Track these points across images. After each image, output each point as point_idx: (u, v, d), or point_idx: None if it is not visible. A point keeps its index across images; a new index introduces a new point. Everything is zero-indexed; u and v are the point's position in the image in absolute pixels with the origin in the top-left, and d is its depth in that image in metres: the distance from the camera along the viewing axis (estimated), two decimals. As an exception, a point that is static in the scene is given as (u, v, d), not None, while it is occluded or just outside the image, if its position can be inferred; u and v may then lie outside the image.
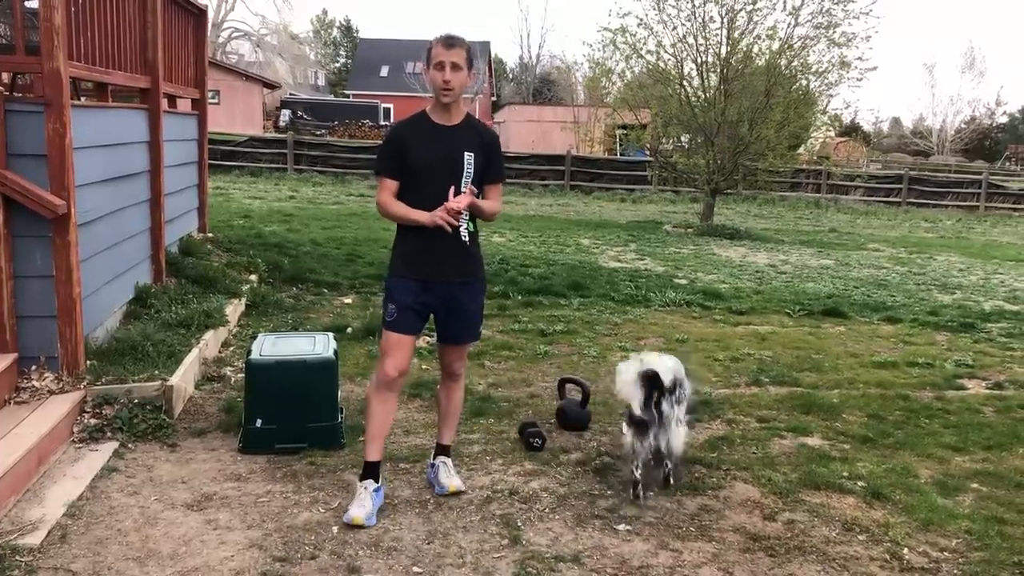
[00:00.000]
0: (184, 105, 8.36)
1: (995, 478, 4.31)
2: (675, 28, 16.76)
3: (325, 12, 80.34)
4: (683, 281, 9.97)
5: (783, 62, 16.88)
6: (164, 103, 6.82)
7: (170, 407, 4.54)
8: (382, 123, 39.56)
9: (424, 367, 5.67)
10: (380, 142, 3.85)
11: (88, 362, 4.70)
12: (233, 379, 5.32)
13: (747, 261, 12.42)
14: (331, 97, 57.20)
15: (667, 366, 3.97)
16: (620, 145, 30.24)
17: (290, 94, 48.57)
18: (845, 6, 16.29)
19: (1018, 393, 5.89)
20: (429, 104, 3.68)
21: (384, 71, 54.94)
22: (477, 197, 3.63)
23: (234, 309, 6.58)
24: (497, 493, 3.88)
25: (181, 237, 7.70)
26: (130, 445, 4.23)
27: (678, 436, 3.93)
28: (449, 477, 3.87)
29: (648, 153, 21.82)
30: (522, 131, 36.48)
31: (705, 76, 17.09)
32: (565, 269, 10.06)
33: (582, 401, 4.82)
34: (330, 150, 25.47)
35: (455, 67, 3.51)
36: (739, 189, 22.26)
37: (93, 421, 4.31)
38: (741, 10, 16.45)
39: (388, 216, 3.67)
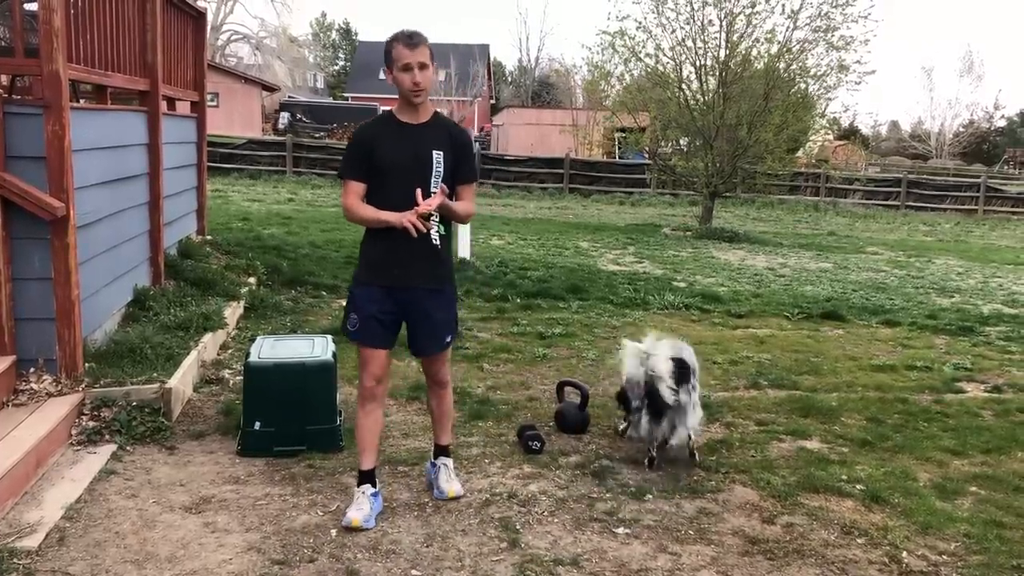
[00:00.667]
0: (183, 107, 8.37)
1: (994, 481, 4.31)
2: (674, 31, 16.81)
3: (324, 15, 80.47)
4: (682, 284, 9.97)
5: (782, 65, 16.90)
6: (163, 105, 6.82)
7: (168, 410, 4.53)
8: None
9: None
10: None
11: (86, 364, 4.69)
12: (232, 382, 5.32)
13: (746, 264, 12.43)
14: (330, 100, 57.23)
15: (689, 352, 4.39)
16: (619, 148, 30.26)
17: (289, 97, 48.58)
18: (844, 10, 16.34)
19: (1017, 396, 5.90)
20: (396, 105, 3.57)
21: (383, 74, 54.57)
22: (449, 198, 3.53)
23: (233, 312, 6.57)
24: (496, 496, 3.88)
25: (180, 239, 7.70)
26: (128, 448, 4.23)
27: (695, 417, 4.30)
28: (449, 482, 3.85)
29: (647, 156, 21.86)
30: (521, 134, 36.51)
31: (704, 79, 17.11)
32: (564, 272, 10.06)
33: (581, 404, 4.82)
34: (329, 153, 25.46)
35: (423, 67, 3.42)
36: (738, 192, 22.28)
37: (91, 424, 4.31)
38: (740, 14, 16.49)
39: (356, 220, 3.54)
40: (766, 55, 16.90)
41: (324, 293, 8.05)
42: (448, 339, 3.73)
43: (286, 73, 57.38)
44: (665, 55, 17.10)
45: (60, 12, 4.40)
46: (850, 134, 41.71)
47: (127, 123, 6.04)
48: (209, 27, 14.17)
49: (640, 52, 17.12)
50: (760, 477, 4.20)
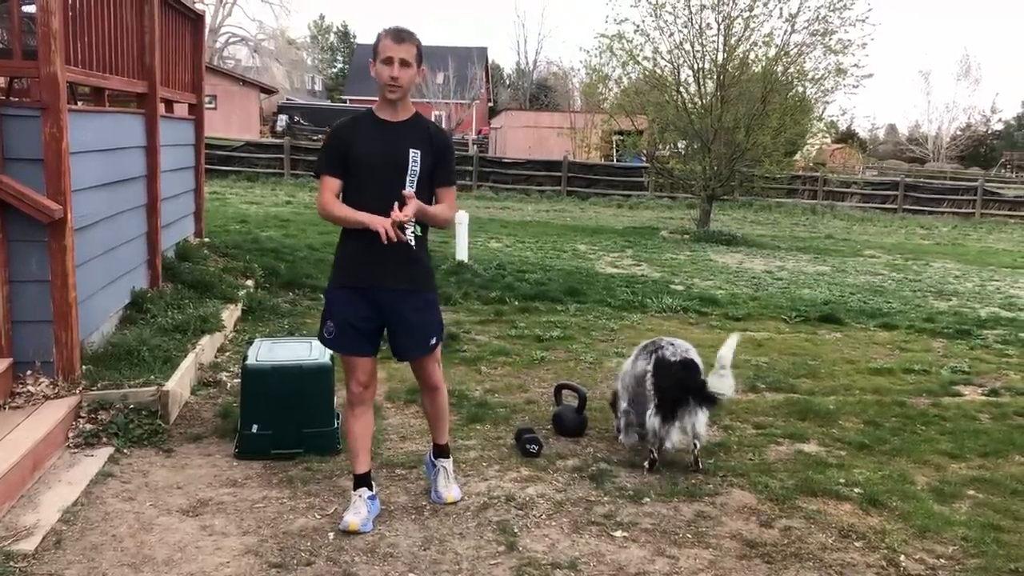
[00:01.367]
0: (181, 110, 8.37)
1: (991, 485, 4.31)
2: (672, 35, 16.86)
3: (322, 17, 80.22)
4: (679, 287, 9.98)
5: (779, 69, 16.94)
6: (161, 108, 6.82)
7: (166, 412, 4.52)
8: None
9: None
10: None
11: (84, 367, 4.69)
12: (229, 384, 5.31)
13: (743, 267, 12.44)
14: (328, 102, 57.20)
15: (695, 353, 4.42)
16: (617, 151, 30.29)
17: (287, 99, 48.56)
18: (841, 13, 16.39)
19: (1014, 400, 5.90)
20: (376, 102, 3.52)
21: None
22: (428, 202, 3.46)
23: (230, 314, 6.57)
24: (493, 499, 3.87)
25: (177, 242, 7.69)
26: (125, 450, 4.22)
27: (701, 421, 4.24)
28: (447, 487, 3.84)
29: (645, 159, 21.87)
30: (519, 137, 36.56)
31: (702, 82, 17.14)
32: (562, 275, 10.06)
33: (579, 407, 4.82)
34: (327, 155, 25.40)
35: (404, 63, 3.36)
36: (735, 195, 22.29)
37: (88, 426, 4.30)
38: (738, 17, 16.54)
39: (330, 218, 3.47)
40: (764, 59, 16.95)
41: (322, 296, 8.02)
42: (432, 342, 3.62)
43: (284, 75, 57.38)
44: (663, 58, 17.15)
45: (58, 14, 4.40)
46: (848, 137, 41.83)
47: (125, 125, 6.04)
48: (207, 29, 14.17)
49: (638, 55, 17.17)
50: (758, 480, 4.20)
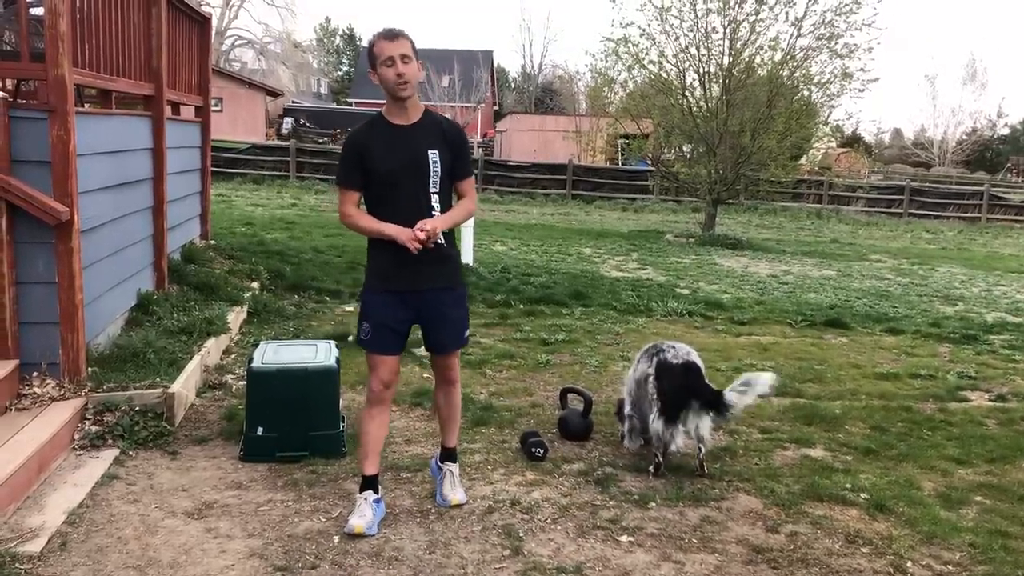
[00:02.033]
0: (187, 112, 8.38)
1: (998, 491, 4.29)
2: (677, 38, 16.83)
3: (328, 20, 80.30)
4: (685, 291, 9.96)
5: (785, 73, 16.92)
6: (168, 110, 6.84)
7: (171, 414, 4.53)
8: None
9: (426, 376, 5.65)
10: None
11: (90, 369, 4.69)
12: (234, 387, 5.32)
13: (749, 271, 12.42)
14: (334, 105, 57.31)
15: (696, 356, 4.39)
16: (622, 154, 30.29)
17: (293, 102, 48.67)
18: (847, 18, 16.36)
19: (1021, 405, 5.87)
20: (384, 106, 3.51)
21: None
22: (448, 196, 3.53)
23: (236, 316, 6.57)
24: (499, 503, 3.87)
25: (183, 244, 7.70)
26: (131, 452, 4.22)
27: (705, 425, 4.24)
28: (453, 490, 3.83)
29: (650, 163, 21.86)
30: (524, 140, 36.58)
31: (707, 86, 17.13)
32: (567, 278, 10.06)
33: (584, 411, 4.81)
34: (332, 158, 25.44)
35: (405, 59, 3.35)
36: (741, 199, 22.28)
37: (94, 428, 4.30)
38: (744, 21, 16.51)
39: (355, 229, 3.54)
40: (769, 62, 16.93)
41: (327, 298, 8.05)
42: (466, 334, 3.79)
43: (290, 78, 57.55)
44: (669, 62, 17.13)
45: (66, 17, 4.41)
46: (853, 141, 41.73)
47: (132, 128, 6.05)
48: (214, 32, 14.21)
49: (644, 59, 17.16)
50: (764, 485, 4.18)
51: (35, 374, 4.52)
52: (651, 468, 4.27)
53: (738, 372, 6.30)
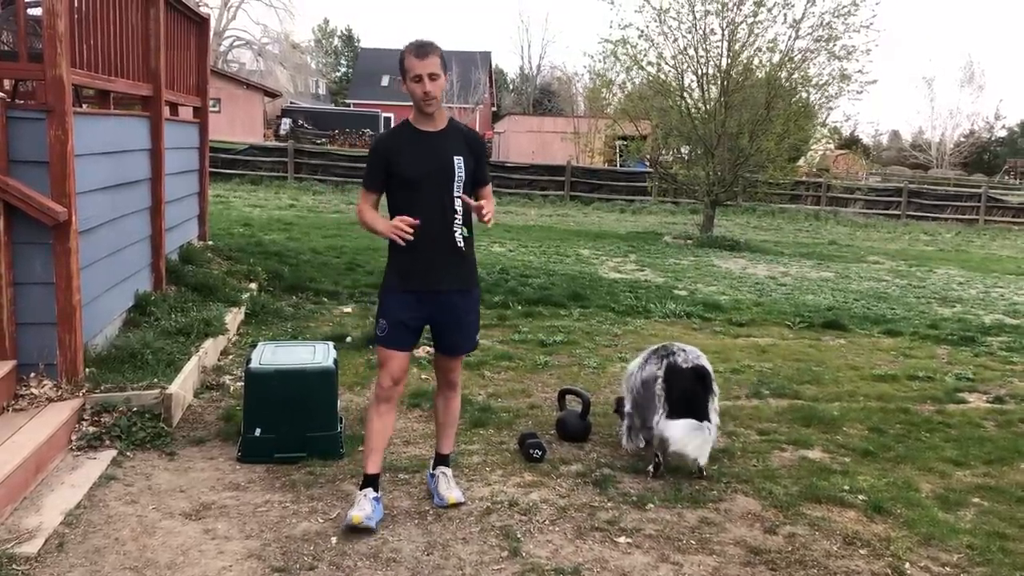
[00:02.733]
0: (185, 113, 8.37)
1: (996, 493, 4.29)
2: (676, 40, 16.81)
3: (327, 21, 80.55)
4: (683, 292, 9.96)
5: (783, 74, 16.92)
6: (166, 111, 6.83)
7: (169, 415, 4.52)
8: (382, 132, 39.76)
9: (424, 377, 5.65)
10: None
11: (87, 369, 4.69)
12: (232, 388, 5.31)
13: (747, 273, 12.42)
14: (332, 106, 57.35)
15: (705, 359, 4.39)
16: (620, 156, 30.31)
17: (291, 103, 48.69)
18: (845, 19, 16.34)
19: (1019, 407, 5.88)
20: (411, 113, 3.66)
21: (385, 80, 55.04)
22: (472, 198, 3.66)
23: (234, 317, 6.57)
24: (497, 504, 3.86)
25: (181, 245, 7.70)
26: (128, 453, 4.22)
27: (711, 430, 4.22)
28: (449, 489, 3.85)
29: (648, 164, 21.86)
30: (522, 141, 36.58)
31: (705, 88, 17.12)
32: (565, 279, 10.05)
33: (582, 412, 4.80)
34: (330, 159, 25.50)
35: (433, 77, 3.49)
36: (739, 201, 22.29)
37: (92, 429, 4.30)
38: (742, 23, 16.50)
39: (361, 224, 3.73)
40: (768, 64, 16.92)
41: (325, 299, 8.04)
42: (477, 336, 3.88)
43: (288, 79, 57.57)
44: (667, 64, 17.12)
45: (64, 17, 4.41)
46: (851, 143, 41.77)
47: (130, 128, 6.05)
48: (212, 33, 14.20)
49: (642, 60, 17.14)
50: (762, 487, 4.18)
51: (32, 375, 4.51)
52: (650, 468, 4.27)
53: (736, 373, 6.33)
